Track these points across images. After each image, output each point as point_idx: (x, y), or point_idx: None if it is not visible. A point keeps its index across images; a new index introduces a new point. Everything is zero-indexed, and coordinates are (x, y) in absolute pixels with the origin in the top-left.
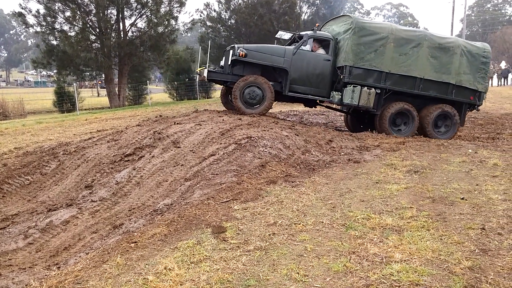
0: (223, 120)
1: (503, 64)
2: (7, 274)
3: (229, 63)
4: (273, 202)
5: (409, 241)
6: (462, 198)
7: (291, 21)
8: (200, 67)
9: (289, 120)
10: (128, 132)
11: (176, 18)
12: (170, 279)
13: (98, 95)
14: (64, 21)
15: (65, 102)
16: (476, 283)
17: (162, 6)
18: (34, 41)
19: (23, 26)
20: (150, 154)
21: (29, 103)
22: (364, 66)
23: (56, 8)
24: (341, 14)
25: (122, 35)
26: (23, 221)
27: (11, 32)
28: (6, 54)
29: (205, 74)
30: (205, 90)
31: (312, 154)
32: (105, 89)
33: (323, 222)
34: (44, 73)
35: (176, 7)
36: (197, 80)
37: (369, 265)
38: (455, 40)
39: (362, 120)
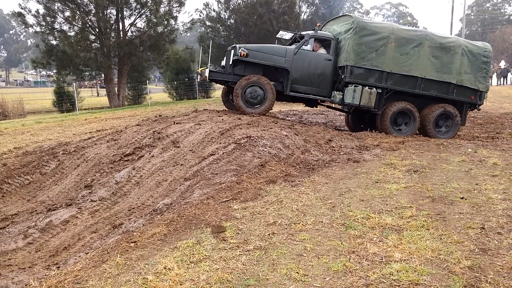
0: (222, 119)
1: (502, 64)
2: (7, 274)
3: (230, 63)
4: (272, 202)
5: (409, 241)
6: (462, 198)
7: (290, 21)
8: (201, 67)
9: (288, 120)
10: (128, 131)
11: (175, 18)
12: (170, 279)
13: (98, 95)
14: (63, 21)
15: (64, 102)
16: (476, 283)
17: (162, 6)
18: (34, 41)
19: (23, 26)
20: (150, 153)
21: (28, 103)
22: (365, 65)
23: (56, 8)
24: (342, 14)
25: (121, 35)
26: (23, 221)
27: (11, 32)
28: (5, 54)
29: (207, 74)
30: (204, 90)
31: (311, 154)
32: (104, 89)
33: (322, 222)
34: (43, 73)
35: (176, 7)
36: (198, 80)
37: (368, 265)
38: (456, 39)
39: (363, 120)
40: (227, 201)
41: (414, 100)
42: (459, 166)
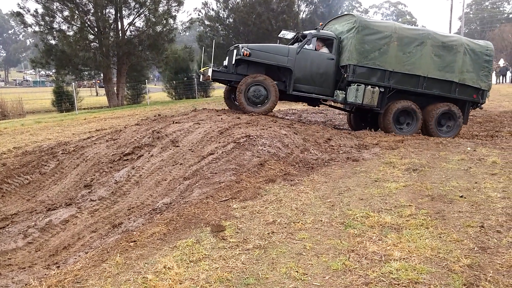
0: (221, 119)
1: (501, 62)
2: (7, 273)
3: (233, 62)
4: (272, 201)
5: (408, 239)
6: (461, 196)
7: (289, 20)
8: (203, 67)
9: (287, 119)
10: (127, 131)
11: (174, 17)
12: (170, 278)
13: (97, 95)
14: (62, 20)
15: (64, 101)
16: (475, 281)
17: (160, 5)
18: (33, 40)
19: (22, 26)
20: (149, 153)
21: (28, 103)
22: (368, 64)
23: (55, 7)
24: (344, 13)
25: (120, 35)
26: (23, 220)
27: (10, 31)
28: (4, 54)
29: (210, 73)
30: (203, 89)
31: (310, 153)
32: (103, 89)
33: (322, 221)
34: (42, 72)
35: (174, 6)
36: (201, 80)
37: (368, 263)
38: (458, 38)
39: (365, 119)
40: (226, 200)
41: (416, 99)
42: (458, 165)
